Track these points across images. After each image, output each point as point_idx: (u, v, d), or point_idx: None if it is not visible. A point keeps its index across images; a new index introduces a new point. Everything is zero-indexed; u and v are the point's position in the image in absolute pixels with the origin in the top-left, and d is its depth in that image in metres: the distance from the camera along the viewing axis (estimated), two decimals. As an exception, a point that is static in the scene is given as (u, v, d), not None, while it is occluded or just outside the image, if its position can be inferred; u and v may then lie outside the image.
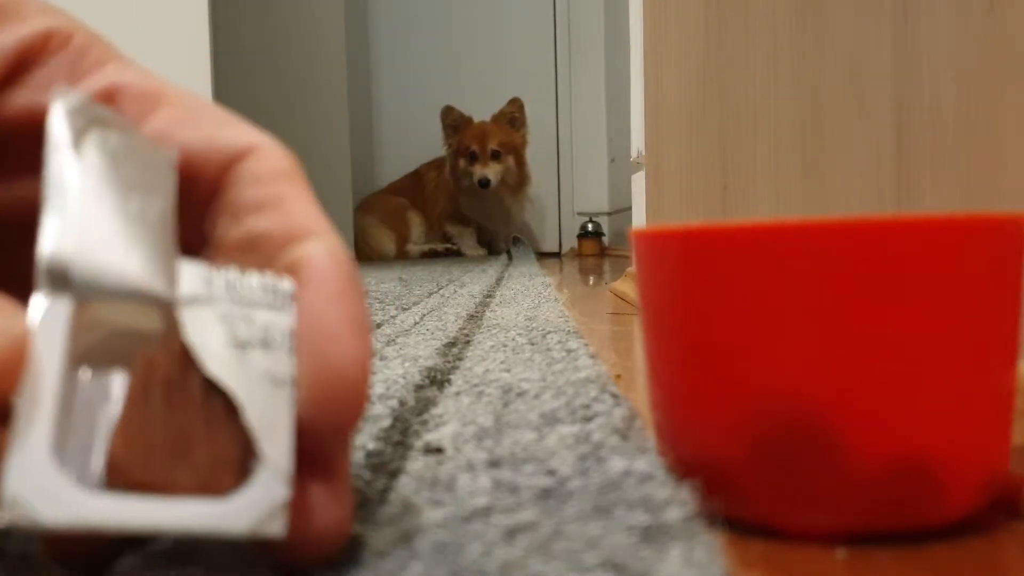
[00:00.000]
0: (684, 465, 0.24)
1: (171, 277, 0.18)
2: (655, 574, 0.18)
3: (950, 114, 0.34)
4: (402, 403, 0.37)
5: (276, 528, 0.17)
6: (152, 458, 0.17)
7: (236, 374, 0.18)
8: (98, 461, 0.16)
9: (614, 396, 0.36)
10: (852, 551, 0.21)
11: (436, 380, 0.42)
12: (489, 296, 0.97)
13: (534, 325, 0.65)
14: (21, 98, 0.20)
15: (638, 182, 1.12)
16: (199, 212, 0.21)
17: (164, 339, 0.18)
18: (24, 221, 0.22)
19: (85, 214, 0.17)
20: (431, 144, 3.03)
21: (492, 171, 2.83)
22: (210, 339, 0.18)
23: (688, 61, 0.81)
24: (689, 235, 0.24)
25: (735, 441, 0.23)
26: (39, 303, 0.16)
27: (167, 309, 0.18)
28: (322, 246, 0.20)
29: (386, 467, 0.27)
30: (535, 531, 0.20)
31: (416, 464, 0.27)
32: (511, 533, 0.20)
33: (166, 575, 0.19)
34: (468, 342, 0.56)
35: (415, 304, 0.89)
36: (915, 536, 0.22)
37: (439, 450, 0.28)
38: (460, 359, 0.49)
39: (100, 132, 0.18)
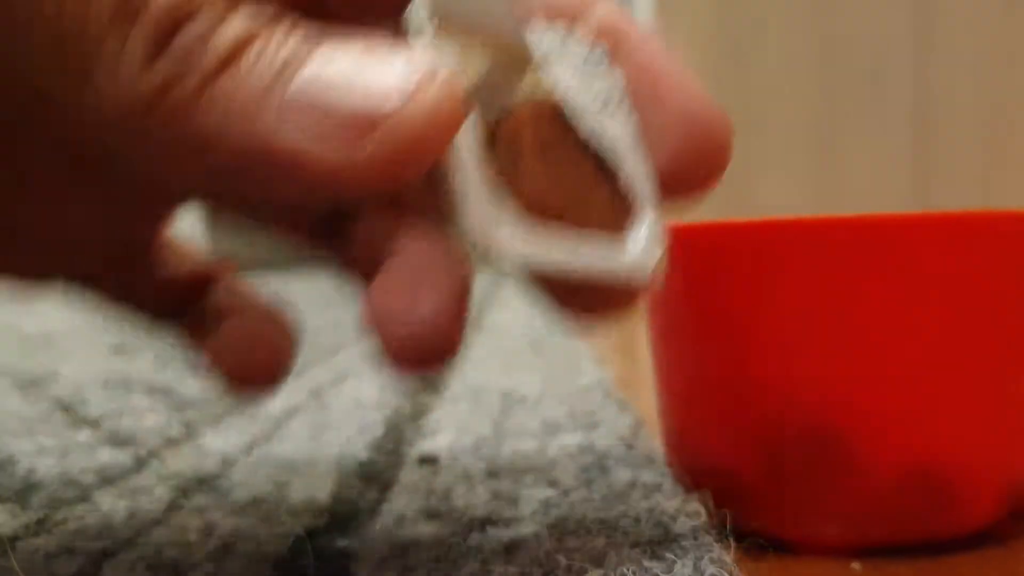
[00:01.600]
0: (693, 475, 0.24)
1: (521, 23, 0.17)
2: (664, 591, 0.17)
3: (968, 110, 0.34)
4: (396, 409, 0.36)
5: (661, 275, 0.18)
6: (558, 211, 0.17)
7: (603, 132, 0.17)
8: (509, 207, 0.16)
9: (619, 403, 0.36)
10: (867, 564, 0.21)
11: (432, 385, 0.42)
12: (489, 297, 0.97)
13: (535, 327, 0.64)
14: None
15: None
16: None
17: (532, 91, 0.17)
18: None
19: None
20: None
21: None
22: (570, 96, 0.17)
23: (699, 56, 0.81)
24: (697, 232, 0.23)
25: (746, 451, 0.22)
26: (424, 36, 0.16)
27: (525, 57, 0.17)
28: (616, 10, 0.19)
29: (379, 478, 0.26)
30: (536, 546, 0.20)
31: (410, 474, 0.27)
32: (510, 548, 0.20)
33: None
34: (467, 346, 0.56)
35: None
36: (932, 548, 0.22)
37: (434, 460, 0.28)
38: (457, 364, 0.49)
39: None
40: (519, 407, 0.36)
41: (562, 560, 0.19)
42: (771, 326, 0.21)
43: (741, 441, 0.22)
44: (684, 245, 0.23)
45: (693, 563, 0.19)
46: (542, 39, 0.18)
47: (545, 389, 0.40)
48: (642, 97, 0.18)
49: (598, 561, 0.19)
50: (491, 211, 0.16)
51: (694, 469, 0.24)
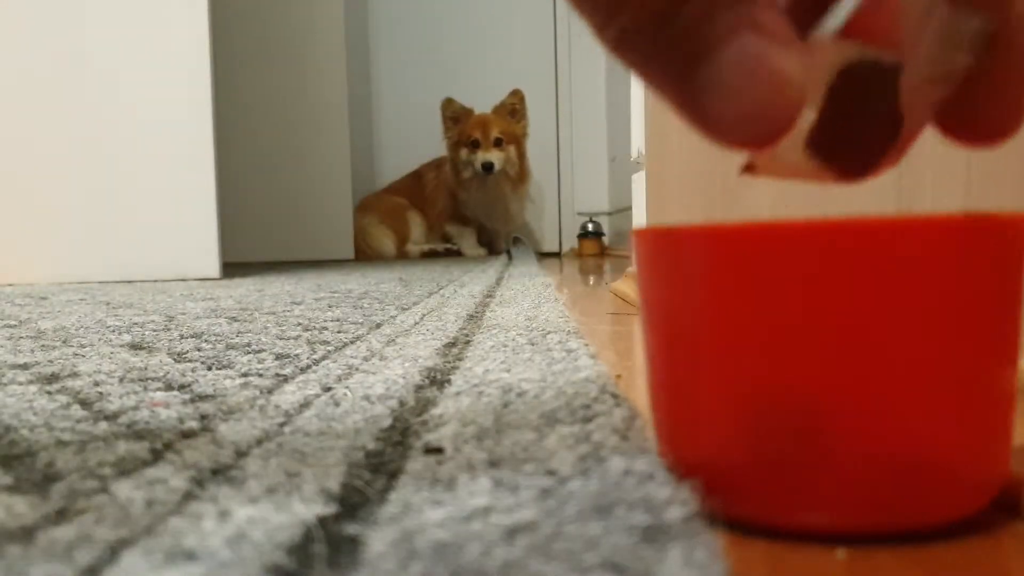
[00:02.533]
0: (684, 465, 0.24)
1: None
2: (655, 574, 0.18)
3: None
4: (402, 403, 0.37)
5: None
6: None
7: None
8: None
9: (614, 396, 0.36)
10: (852, 551, 0.21)
11: (436, 380, 0.42)
12: (489, 296, 0.97)
13: (534, 325, 0.65)
14: None
15: (638, 182, 1.11)
16: None
17: None
18: None
19: None
20: (431, 144, 3.03)
21: (495, 156, 2.84)
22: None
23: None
24: (690, 235, 0.24)
25: (735, 441, 0.23)
26: None
27: None
28: None
29: (386, 467, 0.27)
30: (535, 531, 0.20)
31: (416, 464, 0.27)
32: (511, 533, 0.20)
33: (166, 574, 0.19)
34: (468, 342, 0.56)
35: (415, 304, 0.89)
36: (915, 536, 0.22)
37: (439, 450, 0.29)
38: (460, 359, 0.49)
39: None
40: (519, 400, 0.36)
41: (560, 545, 0.19)
42: (759, 323, 0.22)
43: (730, 432, 0.23)
44: (674, 246, 0.24)
45: (684, 548, 0.19)
46: None
47: (544, 383, 0.40)
48: None
49: (594, 546, 0.19)
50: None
51: (685, 459, 0.24)
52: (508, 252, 2.72)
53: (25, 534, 0.21)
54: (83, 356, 0.55)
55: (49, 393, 0.41)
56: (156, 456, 0.29)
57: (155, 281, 1.60)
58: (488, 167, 2.82)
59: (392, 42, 3.32)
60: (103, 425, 0.34)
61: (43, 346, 0.61)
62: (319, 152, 2.83)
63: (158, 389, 0.42)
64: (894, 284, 0.21)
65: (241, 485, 0.25)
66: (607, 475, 0.25)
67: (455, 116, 2.92)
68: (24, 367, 0.51)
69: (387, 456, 0.28)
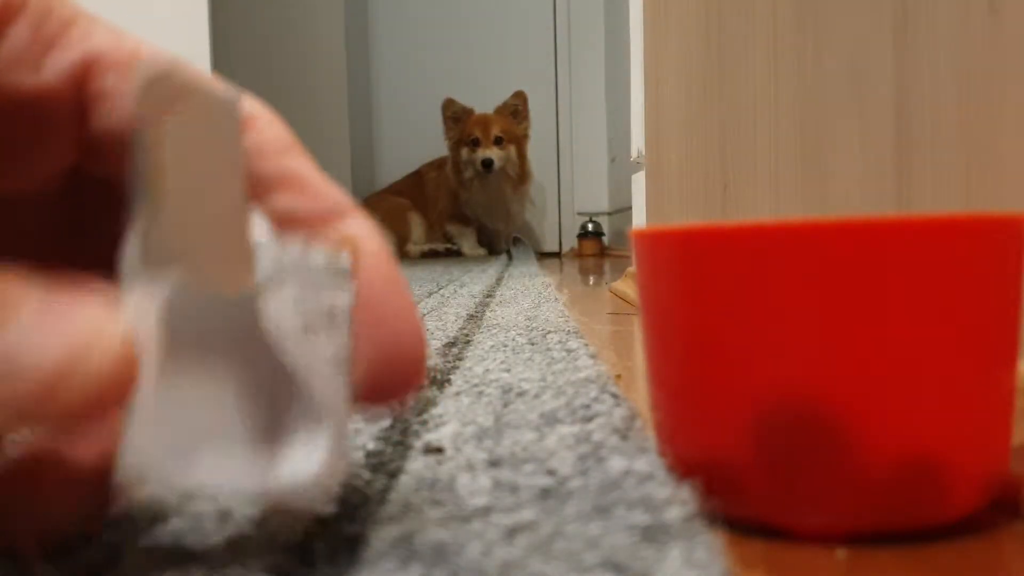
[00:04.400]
0: (684, 465, 0.24)
1: (248, 260, 0.18)
2: (655, 574, 0.18)
3: (950, 114, 0.34)
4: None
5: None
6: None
7: (301, 356, 0.18)
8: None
9: (614, 396, 0.36)
10: (852, 551, 0.21)
11: (436, 380, 0.42)
12: (489, 296, 0.97)
13: (534, 325, 0.65)
14: None
15: (638, 182, 1.11)
16: None
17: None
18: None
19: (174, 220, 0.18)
20: (432, 143, 3.03)
21: (495, 154, 2.84)
22: (284, 326, 0.18)
23: (688, 61, 0.81)
24: (689, 235, 0.24)
25: (735, 441, 0.23)
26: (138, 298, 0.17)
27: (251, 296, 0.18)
28: (364, 226, 0.20)
29: (386, 467, 0.27)
30: (535, 531, 0.20)
31: (416, 464, 0.27)
32: (511, 533, 0.20)
33: (166, 575, 0.19)
34: (468, 342, 0.56)
35: (415, 304, 0.89)
36: (916, 536, 0.22)
37: (439, 450, 0.29)
38: (460, 359, 0.49)
39: (175, 117, 0.18)
40: (519, 400, 0.36)
41: (560, 545, 0.19)
42: (759, 322, 0.22)
43: (730, 433, 0.23)
44: (675, 247, 0.24)
45: (684, 548, 0.19)
46: (268, 259, 0.18)
47: (544, 383, 0.40)
48: (366, 320, 0.19)
49: (594, 546, 0.19)
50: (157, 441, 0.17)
51: (685, 459, 0.24)
52: (508, 252, 2.73)
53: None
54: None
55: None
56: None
57: (155, 281, 1.59)
58: (487, 164, 2.82)
59: (392, 42, 3.32)
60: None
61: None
62: (319, 152, 2.80)
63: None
64: (893, 284, 0.21)
65: (241, 485, 0.25)
66: (607, 475, 0.25)
67: (456, 116, 2.92)
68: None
69: (387, 456, 0.28)
